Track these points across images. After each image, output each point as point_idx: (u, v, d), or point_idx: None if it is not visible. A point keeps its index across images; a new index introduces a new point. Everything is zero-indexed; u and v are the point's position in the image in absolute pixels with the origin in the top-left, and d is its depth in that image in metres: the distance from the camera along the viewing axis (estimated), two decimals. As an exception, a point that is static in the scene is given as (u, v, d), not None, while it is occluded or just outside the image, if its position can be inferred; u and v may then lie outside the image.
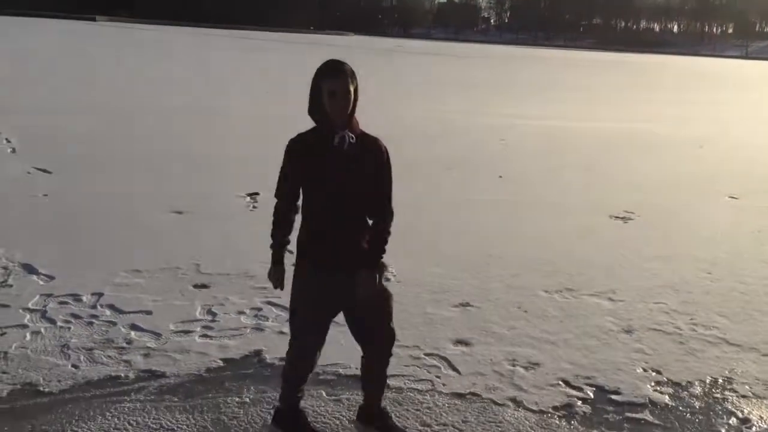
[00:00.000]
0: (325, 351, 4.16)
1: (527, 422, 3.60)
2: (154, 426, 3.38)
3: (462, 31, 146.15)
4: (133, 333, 4.34)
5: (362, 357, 3.41)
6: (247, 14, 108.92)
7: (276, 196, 3.15)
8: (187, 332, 4.40)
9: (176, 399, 3.63)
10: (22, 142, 10.12)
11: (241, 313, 4.75)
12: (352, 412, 3.60)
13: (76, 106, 14.48)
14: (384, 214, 3.09)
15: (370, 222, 3.10)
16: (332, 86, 2.85)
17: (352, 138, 2.94)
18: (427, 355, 4.28)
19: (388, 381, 3.86)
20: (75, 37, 46.77)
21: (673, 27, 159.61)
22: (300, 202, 3.11)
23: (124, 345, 4.17)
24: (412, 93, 23.01)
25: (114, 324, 4.44)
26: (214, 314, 4.71)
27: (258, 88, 21.36)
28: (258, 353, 4.18)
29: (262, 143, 11.02)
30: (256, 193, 8.00)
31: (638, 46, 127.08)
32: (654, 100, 25.68)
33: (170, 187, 8.18)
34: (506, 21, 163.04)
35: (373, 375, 3.42)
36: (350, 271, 3.03)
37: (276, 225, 3.17)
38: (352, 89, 2.88)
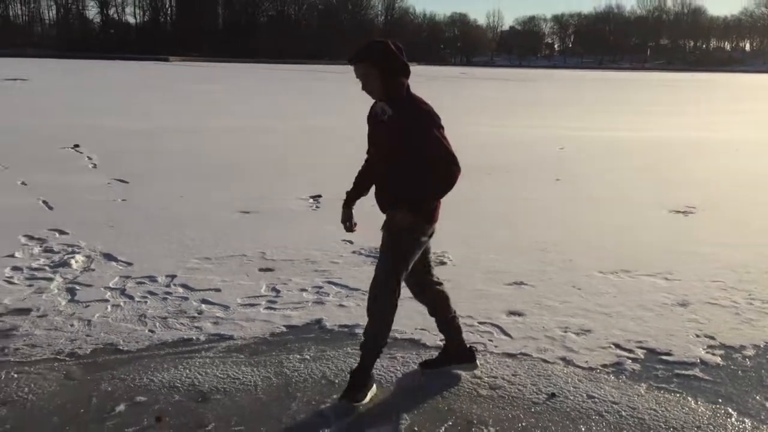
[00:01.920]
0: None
1: (576, 376, 3.70)
2: (222, 376, 3.64)
3: (525, 57, 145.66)
4: (203, 306, 4.64)
5: None
6: (305, 50, 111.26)
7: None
8: (252, 305, 4.68)
9: (242, 356, 3.89)
10: (101, 159, 10.79)
11: (303, 290, 5.00)
12: (406, 367, 3.79)
13: (156, 127, 15.28)
14: (431, 169, 3.28)
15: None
16: (354, 72, 3.27)
17: (389, 110, 3.28)
18: (480, 323, 4.43)
19: (440, 344, 4.05)
20: (155, 73, 49.12)
21: (744, 45, 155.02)
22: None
23: (195, 315, 4.48)
24: (476, 111, 23.20)
25: (186, 299, 4.77)
26: (277, 291, 4.99)
27: (331, 110, 21.99)
28: (318, 321, 4.42)
29: (325, 153, 11.42)
30: (319, 195, 8.33)
31: (708, 65, 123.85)
32: (717, 111, 25.09)
33: (239, 191, 8.59)
34: (570, 46, 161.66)
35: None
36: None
37: (358, 174, 3.64)
38: (374, 71, 3.21)
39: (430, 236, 3.52)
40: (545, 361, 3.88)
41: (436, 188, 3.31)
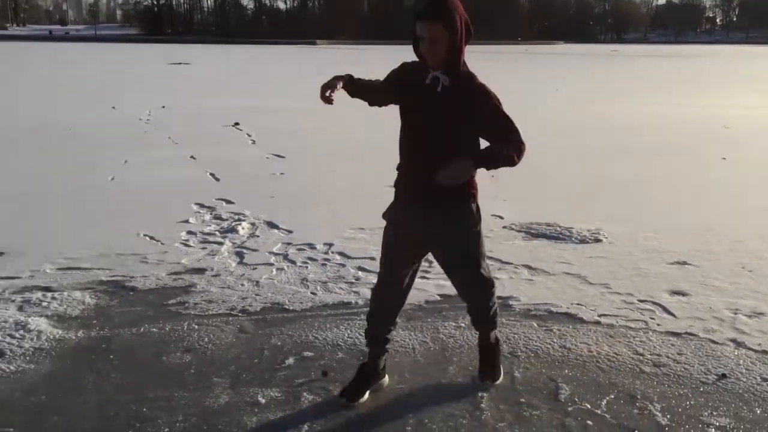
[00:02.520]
0: (534, 292, 4.39)
1: (748, 359, 3.50)
2: (381, 338, 3.77)
3: (683, 33, 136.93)
4: (360, 272, 4.82)
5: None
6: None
7: None
8: (407, 274, 4.79)
9: (399, 320, 3.99)
10: (259, 136, 11.39)
11: (455, 262, 5.06)
12: (563, 340, 3.74)
13: (307, 107, 15.91)
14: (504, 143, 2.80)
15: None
16: (420, 30, 2.70)
17: (446, 80, 2.78)
18: (640, 301, 4.28)
19: (598, 318, 3.97)
20: (306, 56, 50.98)
21: None
22: (386, 94, 3.00)
23: (353, 281, 4.66)
24: (631, 90, 22.19)
25: (344, 266, 4.96)
26: (430, 261, 5.03)
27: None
28: (472, 292, 4.45)
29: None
30: (468, 172, 8.35)
31: None
32: None
33: (386, 167, 8.76)
34: (734, 19, 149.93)
35: (473, 318, 3.31)
36: (424, 206, 2.92)
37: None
38: (444, 35, 2.68)
39: None
40: (713, 341, 3.69)
41: (509, 158, 2.76)
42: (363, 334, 3.35)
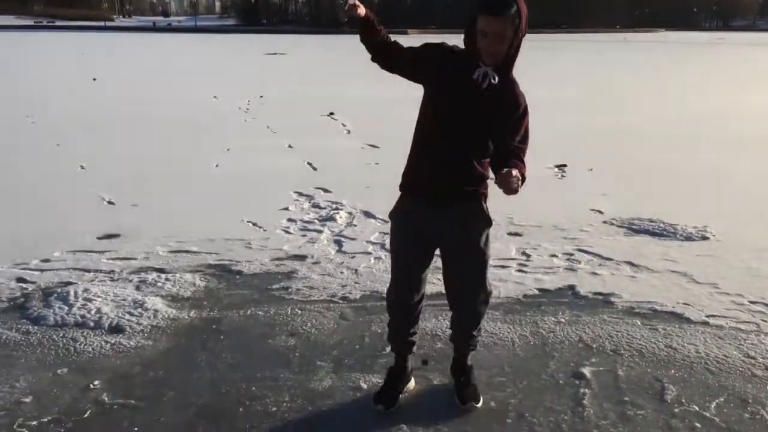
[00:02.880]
0: (637, 289, 4.29)
1: None
2: (480, 330, 3.79)
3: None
4: (457, 264, 4.84)
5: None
6: (551, 17, 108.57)
7: None
8: (504, 267, 4.78)
9: (497, 313, 4.01)
10: (353, 126, 11.55)
11: (553, 256, 5.00)
12: (669, 339, 3.65)
13: (404, 97, 15.99)
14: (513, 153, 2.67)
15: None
16: (484, 25, 2.53)
17: (494, 78, 2.63)
18: (751, 302, 4.12)
19: (706, 319, 3.85)
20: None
21: None
22: (402, 60, 2.78)
23: (450, 272, 4.68)
24: (743, 80, 21.14)
25: (439, 256, 4.99)
26: (528, 255, 5.03)
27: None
28: (572, 287, 4.40)
29: (569, 124, 11.16)
30: (564, 165, 8.19)
31: None
32: None
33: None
34: None
35: (457, 330, 3.15)
36: (442, 203, 2.82)
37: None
38: (510, 32, 2.53)
39: None
40: (836, 349, 3.52)
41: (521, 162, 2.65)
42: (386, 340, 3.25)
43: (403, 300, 3.04)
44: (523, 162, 2.65)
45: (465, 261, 2.94)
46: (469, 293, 3.00)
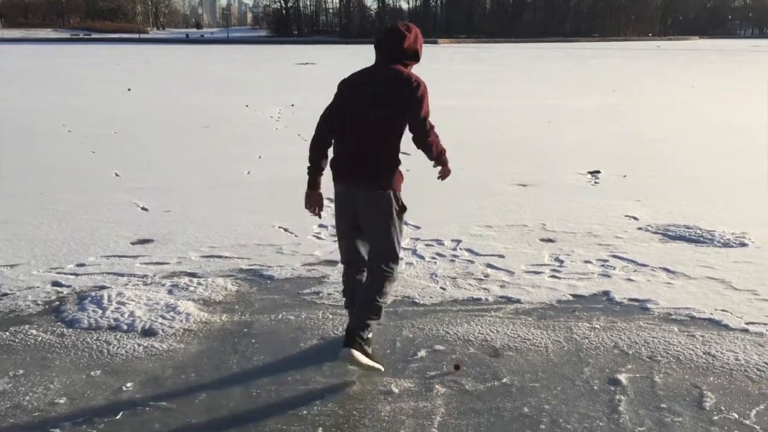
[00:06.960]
0: (673, 296, 4.20)
1: None
2: (512, 335, 3.74)
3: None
4: (489, 269, 4.79)
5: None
6: (565, 29, 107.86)
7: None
8: (536, 273, 4.72)
9: (530, 319, 3.96)
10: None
11: (587, 262, 4.93)
12: (707, 346, 3.56)
13: (441, 104, 15.96)
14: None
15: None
16: None
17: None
18: (793, 309, 4.00)
19: (745, 326, 3.74)
20: (431, 54, 51.17)
21: None
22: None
23: (482, 277, 4.64)
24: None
25: (472, 262, 4.95)
26: (561, 261, 4.97)
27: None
28: (606, 293, 4.33)
29: (601, 130, 11.03)
30: (598, 171, 8.09)
31: None
32: None
33: (516, 165, 8.67)
34: None
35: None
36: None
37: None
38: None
39: None
40: None
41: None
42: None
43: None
44: None
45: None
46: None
